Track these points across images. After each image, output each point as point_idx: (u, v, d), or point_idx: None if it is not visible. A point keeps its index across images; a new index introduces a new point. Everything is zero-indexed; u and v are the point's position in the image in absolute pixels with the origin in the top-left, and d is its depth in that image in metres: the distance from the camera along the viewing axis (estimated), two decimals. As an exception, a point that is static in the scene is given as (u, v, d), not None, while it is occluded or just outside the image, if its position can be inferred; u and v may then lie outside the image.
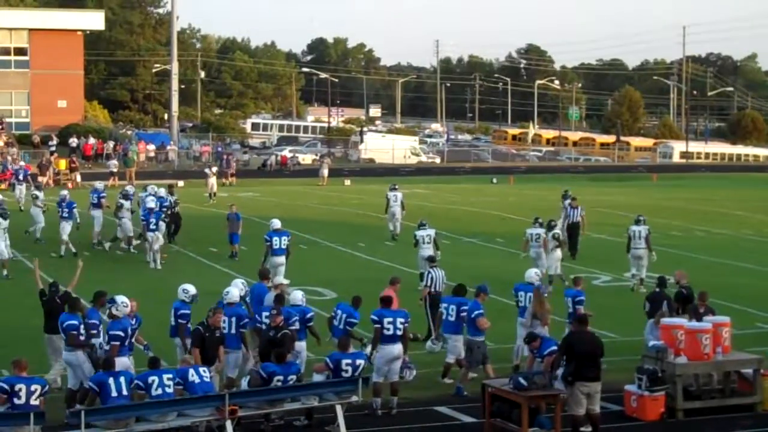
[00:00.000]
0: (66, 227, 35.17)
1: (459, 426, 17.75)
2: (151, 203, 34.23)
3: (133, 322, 17.94)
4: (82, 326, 17.71)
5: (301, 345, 18.73)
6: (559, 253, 30.27)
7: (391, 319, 18.21)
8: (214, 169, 59.60)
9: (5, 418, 15.04)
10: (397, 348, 18.21)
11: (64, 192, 37.98)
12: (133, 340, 17.85)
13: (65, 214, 35.40)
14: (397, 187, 41.77)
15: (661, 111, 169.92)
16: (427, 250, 28.65)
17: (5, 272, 30.50)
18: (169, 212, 36.72)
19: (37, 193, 39.21)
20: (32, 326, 21.11)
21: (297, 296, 19.33)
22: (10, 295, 27.83)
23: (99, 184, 39.88)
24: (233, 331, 18.20)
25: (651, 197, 60.06)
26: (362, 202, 53.64)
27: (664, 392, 17.89)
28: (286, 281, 21.26)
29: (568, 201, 36.64)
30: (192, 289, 18.76)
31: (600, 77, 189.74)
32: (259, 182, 68.06)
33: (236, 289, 19.06)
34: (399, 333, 18.19)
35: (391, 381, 18.29)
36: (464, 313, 19.44)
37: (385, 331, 18.17)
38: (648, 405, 17.85)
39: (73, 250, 34.54)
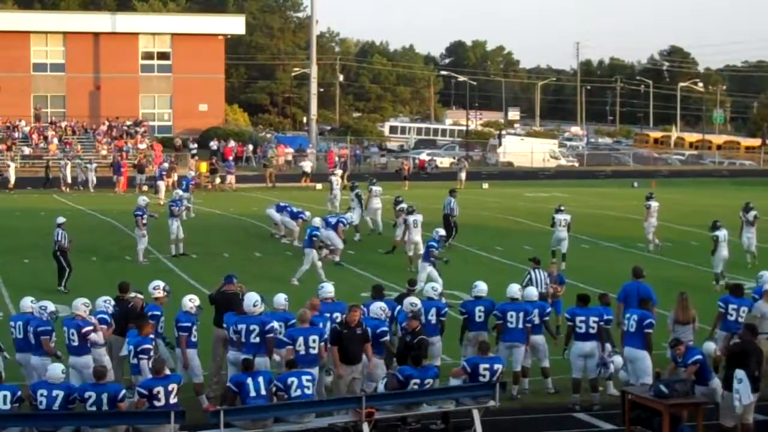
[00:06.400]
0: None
1: (598, 433, 17.49)
2: None
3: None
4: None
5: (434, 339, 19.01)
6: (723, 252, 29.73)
7: (583, 318, 18.55)
8: (339, 171, 59.94)
9: (146, 416, 15.24)
10: (588, 345, 18.50)
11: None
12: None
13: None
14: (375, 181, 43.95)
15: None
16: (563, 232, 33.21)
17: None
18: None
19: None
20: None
21: (428, 289, 19.91)
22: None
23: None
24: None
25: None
26: (500, 205, 53.29)
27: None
28: None
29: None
30: (51, 306, 17.64)
31: (745, 79, 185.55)
32: (396, 185, 68.01)
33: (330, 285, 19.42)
34: (592, 331, 18.48)
35: (589, 378, 18.61)
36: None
37: (577, 329, 18.54)
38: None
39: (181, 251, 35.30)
